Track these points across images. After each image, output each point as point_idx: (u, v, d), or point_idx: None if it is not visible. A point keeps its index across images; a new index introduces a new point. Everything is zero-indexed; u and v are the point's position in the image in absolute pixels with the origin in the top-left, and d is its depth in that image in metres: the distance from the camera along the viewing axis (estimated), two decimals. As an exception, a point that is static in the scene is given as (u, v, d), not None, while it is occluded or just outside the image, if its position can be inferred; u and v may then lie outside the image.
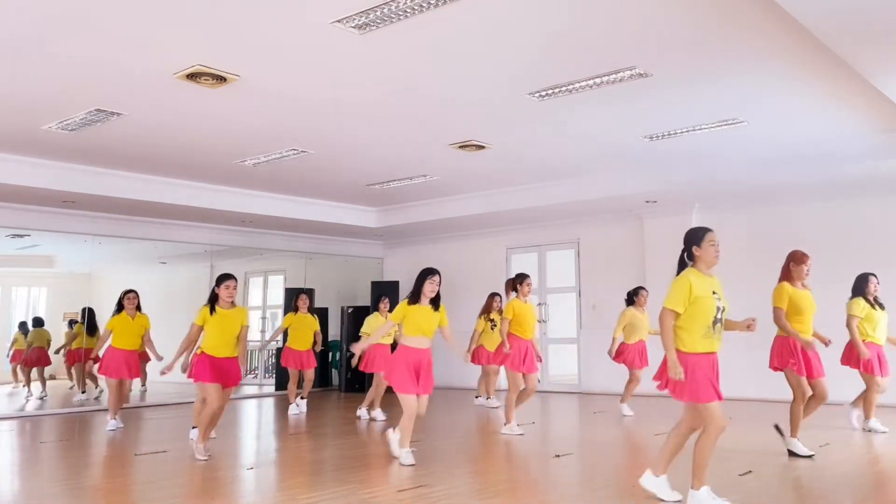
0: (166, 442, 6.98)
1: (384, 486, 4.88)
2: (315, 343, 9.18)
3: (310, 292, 10.31)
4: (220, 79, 5.91)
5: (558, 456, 6.05)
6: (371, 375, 9.15)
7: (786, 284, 5.84)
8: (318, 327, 9.33)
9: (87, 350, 10.23)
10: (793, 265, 5.88)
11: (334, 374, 13.54)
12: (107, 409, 8.15)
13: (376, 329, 7.75)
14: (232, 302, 6.09)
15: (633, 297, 8.59)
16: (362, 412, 8.70)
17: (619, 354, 8.55)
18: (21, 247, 10.90)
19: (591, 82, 6.12)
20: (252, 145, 8.10)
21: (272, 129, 7.49)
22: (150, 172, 9.28)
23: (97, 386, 10.68)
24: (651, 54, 5.56)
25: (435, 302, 5.90)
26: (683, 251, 4.30)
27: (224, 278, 6.10)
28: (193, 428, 6.67)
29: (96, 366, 9.63)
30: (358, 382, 12.44)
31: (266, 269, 13.99)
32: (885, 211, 9.21)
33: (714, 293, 4.15)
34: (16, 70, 5.72)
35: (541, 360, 7.72)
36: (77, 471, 5.78)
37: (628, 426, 7.84)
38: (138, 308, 7.97)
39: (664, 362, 4.17)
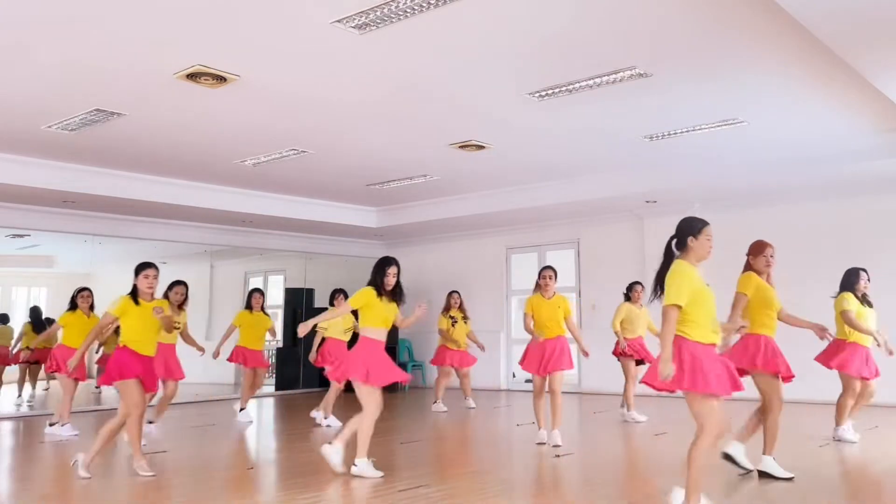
0: (166, 442, 6.98)
1: (384, 486, 4.88)
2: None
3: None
4: (220, 79, 5.92)
5: (558, 456, 6.04)
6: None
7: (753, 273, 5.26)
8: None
9: (37, 349, 9.69)
10: (751, 257, 5.36)
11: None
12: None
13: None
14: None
15: (628, 293, 8.37)
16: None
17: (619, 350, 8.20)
18: (21, 247, 10.90)
19: (591, 82, 6.12)
20: (252, 145, 8.10)
21: (272, 129, 7.50)
22: (150, 172, 9.28)
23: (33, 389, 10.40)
24: (651, 54, 5.56)
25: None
26: (673, 238, 4.06)
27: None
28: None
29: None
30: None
31: (266, 269, 13.99)
32: (885, 211, 9.20)
33: (707, 285, 3.99)
34: (16, 70, 5.72)
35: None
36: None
37: (631, 427, 7.81)
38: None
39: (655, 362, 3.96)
